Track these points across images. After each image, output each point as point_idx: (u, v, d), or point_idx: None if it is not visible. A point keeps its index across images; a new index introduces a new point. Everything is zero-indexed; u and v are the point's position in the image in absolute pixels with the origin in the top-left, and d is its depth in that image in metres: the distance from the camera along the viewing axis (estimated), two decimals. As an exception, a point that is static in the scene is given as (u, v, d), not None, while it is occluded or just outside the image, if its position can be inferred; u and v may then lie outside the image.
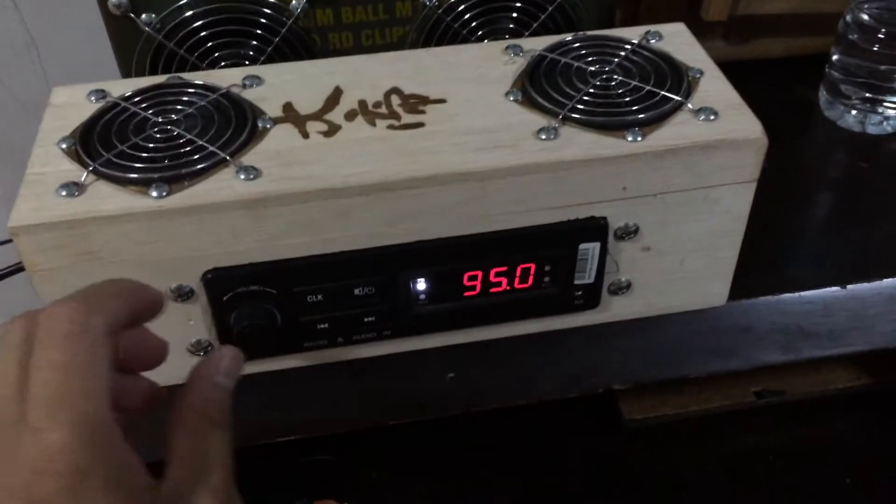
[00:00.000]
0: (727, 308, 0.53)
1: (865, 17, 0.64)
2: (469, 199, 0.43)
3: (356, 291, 0.45)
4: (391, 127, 0.45)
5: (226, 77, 0.48)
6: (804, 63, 0.72)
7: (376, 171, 0.42)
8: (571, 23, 0.59)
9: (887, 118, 0.67)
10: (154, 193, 0.40)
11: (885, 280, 0.54)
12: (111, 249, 0.41)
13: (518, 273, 0.47)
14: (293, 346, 0.47)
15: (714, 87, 0.47)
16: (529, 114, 0.46)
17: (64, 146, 0.43)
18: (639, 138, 0.44)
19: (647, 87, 0.46)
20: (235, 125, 0.44)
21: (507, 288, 0.47)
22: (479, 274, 0.46)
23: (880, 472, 0.71)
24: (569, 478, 0.72)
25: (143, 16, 0.53)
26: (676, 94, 0.46)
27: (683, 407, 0.74)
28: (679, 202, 0.46)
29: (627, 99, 0.46)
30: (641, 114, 0.45)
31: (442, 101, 0.47)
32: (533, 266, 0.47)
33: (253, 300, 0.44)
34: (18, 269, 0.50)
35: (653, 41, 0.51)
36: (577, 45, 0.50)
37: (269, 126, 0.45)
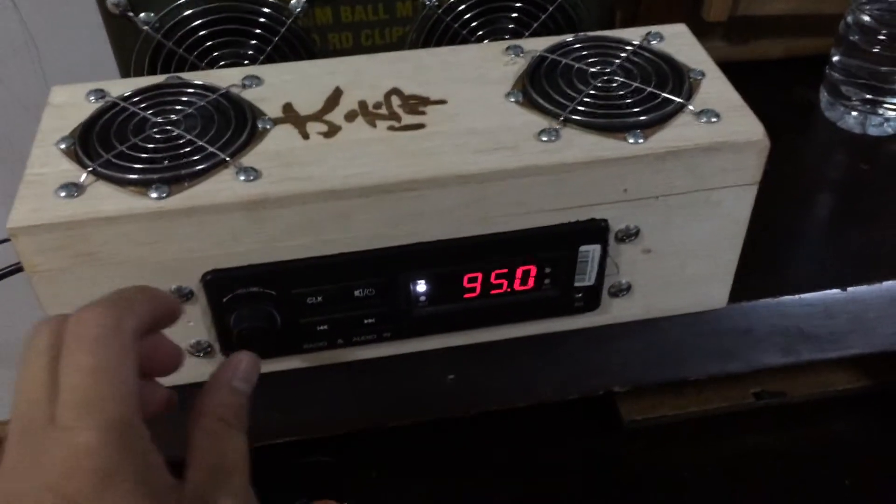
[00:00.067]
0: (727, 310, 0.53)
1: (866, 18, 0.64)
2: (469, 200, 0.43)
3: (356, 293, 0.45)
4: (391, 128, 0.45)
5: (225, 77, 0.48)
6: (804, 64, 0.72)
7: (376, 173, 0.42)
8: (572, 23, 0.59)
9: (888, 119, 0.67)
10: (154, 194, 0.40)
11: (885, 282, 0.54)
12: (111, 250, 0.41)
13: (518, 275, 0.47)
14: (293, 347, 0.47)
15: (715, 89, 0.47)
16: (530, 115, 0.46)
17: (63, 146, 0.43)
18: (640, 140, 0.43)
19: (649, 89, 0.46)
20: (235, 126, 0.44)
21: (508, 290, 0.47)
22: (480, 276, 0.46)
23: (880, 473, 0.71)
24: (568, 479, 0.71)
25: (142, 15, 0.53)
26: (678, 96, 0.46)
27: (683, 408, 0.74)
28: (680, 204, 0.46)
29: (629, 100, 0.46)
30: (643, 115, 0.45)
31: (442, 101, 0.47)
32: (533, 268, 0.47)
33: (253, 302, 0.44)
34: (17, 269, 0.50)
35: (654, 42, 0.51)
36: (578, 46, 0.50)
37: (268, 127, 0.45)
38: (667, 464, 0.73)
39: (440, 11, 0.57)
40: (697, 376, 0.57)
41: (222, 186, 0.41)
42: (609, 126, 0.44)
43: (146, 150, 0.43)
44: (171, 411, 0.36)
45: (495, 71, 0.49)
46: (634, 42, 0.50)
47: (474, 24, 0.57)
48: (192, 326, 0.45)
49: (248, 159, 0.43)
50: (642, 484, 0.72)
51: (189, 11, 0.53)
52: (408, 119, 0.45)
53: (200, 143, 0.43)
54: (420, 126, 0.45)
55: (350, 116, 0.46)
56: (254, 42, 0.55)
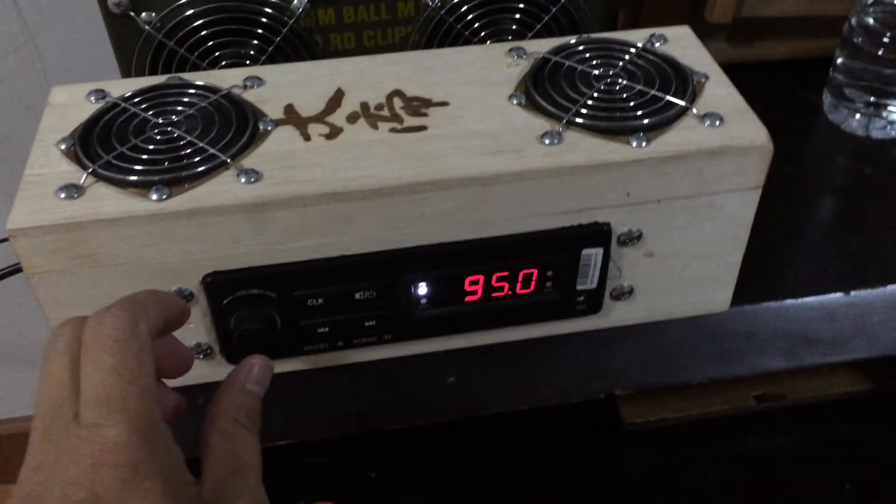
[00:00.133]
0: (730, 314, 0.52)
1: (871, 20, 0.63)
2: (471, 203, 0.43)
3: (357, 296, 0.45)
4: (393, 130, 0.45)
5: (227, 78, 0.48)
6: (808, 66, 0.72)
7: (378, 175, 0.42)
8: (575, 24, 0.58)
9: (891, 122, 0.66)
10: (154, 196, 0.40)
11: (888, 286, 0.54)
12: (111, 252, 0.40)
13: (520, 278, 0.46)
14: (293, 349, 0.46)
15: (719, 92, 0.47)
16: (533, 118, 0.45)
17: (63, 147, 0.43)
18: (643, 144, 0.43)
19: (652, 92, 0.46)
20: (236, 127, 0.44)
21: (509, 293, 0.47)
22: (481, 279, 0.46)
23: (881, 477, 0.71)
24: (568, 481, 0.71)
25: (143, 14, 0.53)
26: (681, 99, 0.46)
27: (683, 411, 0.74)
28: (683, 208, 0.45)
29: (632, 103, 0.46)
30: (646, 119, 0.44)
31: (445, 103, 0.46)
32: (535, 271, 0.46)
33: (253, 304, 0.44)
34: (17, 269, 0.50)
35: (657, 44, 0.50)
36: (582, 48, 0.50)
37: (270, 128, 0.45)
38: (667, 466, 0.72)
39: (443, 12, 0.56)
40: (699, 380, 0.56)
41: (223, 188, 0.41)
42: (612, 129, 0.44)
43: (147, 152, 0.42)
44: (180, 417, 0.36)
45: (498, 72, 0.49)
46: (638, 44, 0.50)
47: (477, 24, 0.57)
48: (192, 328, 0.44)
49: (249, 161, 0.42)
50: (643, 487, 0.71)
51: (190, 11, 0.53)
52: (410, 121, 0.45)
53: (201, 145, 0.42)
54: (422, 128, 0.45)
55: (352, 118, 0.45)
56: (255, 42, 0.55)
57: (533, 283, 0.47)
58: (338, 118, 0.45)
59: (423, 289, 0.46)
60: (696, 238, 0.47)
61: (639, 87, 0.47)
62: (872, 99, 0.66)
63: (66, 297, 0.42)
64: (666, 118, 0.45)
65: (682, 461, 0.73)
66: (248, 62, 0.55)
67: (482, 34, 0.58)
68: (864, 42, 0.64)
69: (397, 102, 0.46)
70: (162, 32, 0.53)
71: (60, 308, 0.42)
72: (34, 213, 0.39)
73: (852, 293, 0.54)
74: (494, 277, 0.46)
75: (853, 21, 0.65)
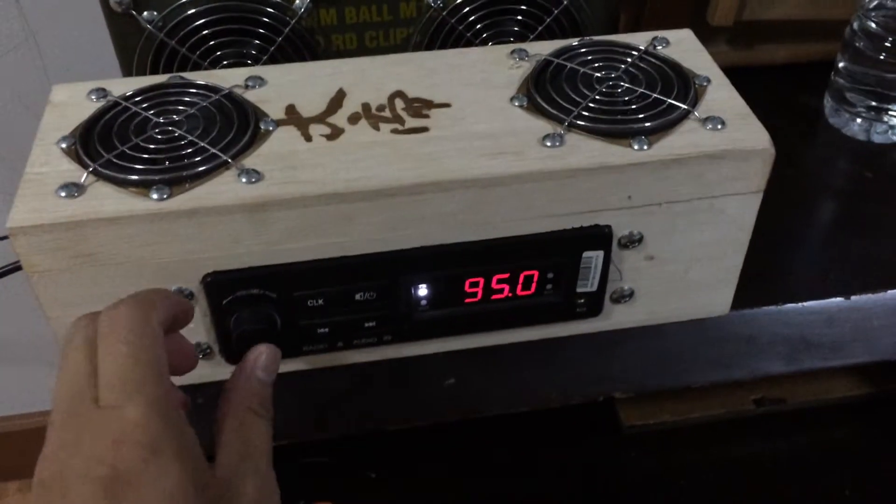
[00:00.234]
0: (730, 318, 0.52)
1: (873, 24, 0.63)
2: (472, 205, 0.43)
3: (357, 296, 0.45)
4: (395, 131, 0.44)
5: (228, 77, 0.48)
6: (809, 70, 0.72)
7: (379, 176, 0.41)
8: (576, 26, 0.58)
9: (892, 127, 0.66)
10: (154, 195, 0.40)
11: (889, 291, 0.54)
12: (111, 251, 0.40)
13: (520, 280, 0.46)
14: (293, 350, 0.46)
15: (721, 96, 0.47)
16: (535, 120, 0.45)
17: (63, 146, 0.43)
18: (645, 147, 0.43)
19: (654, 95, 0.46)
20: (237, 127, 0.44)
21: (509, 295, 0.47)
22: (481, 280, 0.46)
23: (880, 481, 0.71)
24: (566, 483, 0.71)
25: (145, 13, 0.53)
26: (683, 103, 0.45)
27: (682, 414, 0.74)
28: (684, 211, 0.45)
29: (634, 106, 0.45)
30: (648, 122, 0.44)
31: (446, 105, 0.46)
32: (535, 273, 0.46)
33: (253, 304, 0.43)
34: (16, 267, 0.50)
35: (659, 48, 0.50)
36: (584, 50, 0.50)
37: (271, 128, 0.44)
38: (666, 470, 0.72)
39: (445, 13, 0.56)
40: (699, 383, 0.56)
41: (224, 188, 0.41)
42: (614, 132, 0.44)
43: (147, 151, 0.42)
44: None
45: (500, 74, 0.49)
46: (640, 47, 0.50)
47: (479, 26, 0.57)
48: (191, 328, 0.44)
49: (250, 161, 0.42)
50: (641, 490, 0.71)
51: (192, 10, 0.53)
52: (411, 122, 0.45)
53: (202, 145, 0.42)
54: (423, 129, 0.45)
55: (353, 119, 0.45)
56: (257, 42, 0.55)
57: (533, 286, 0.47)
58: (339, 119, 0.45)
59: (423, 290, 0.46)
60: (697, 241, 0.47)
61: (640, 89, 0.47)
62: (874, 103, 0.66)
63: (65, 295, 0.41)
64: (668, 121, 0.45)
65: (680, 464, 0.73)
66: (249, 62, 0.55)
67: (484, 36, 0.58)
68: (866, 46, 0.64)
69: (399, 103, 0.46)
70: (163, 31, 0.53)
71: (60, 307, 0.42)
72: (34, 212, 0.39)
73: (853, 298, 0.54)
74: (495, 279, 0.46)
75: (855, 25, 0.65)
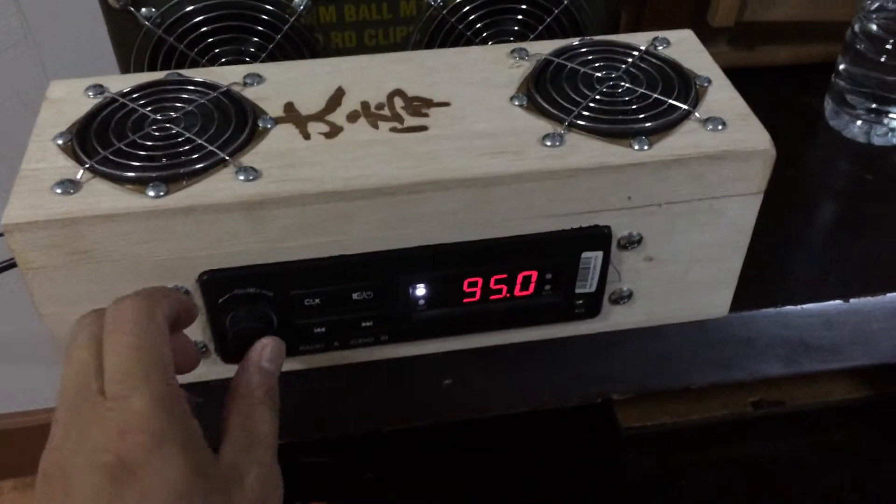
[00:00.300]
0: (728, 319, 0.52)
1: (874, 26, 0.63)
2: (471, 204, 0.42)
3: (354, 296, 0.45)
4: (394, 129, 0.44)
5: (226, 75, 0.47)
6: (810, 71, 0.72)
7: (378, 175, 0.41)
8: (577, 26, 0.58)
9: (892, 130, 0.66)
10: (151, 193, 0.40)
11: (888, 294, 0.54)
12: (106, 249, 0.40)
13: (519, 280, 0.46)
14: (289, 349, 0.46)
15: (722, 96, 0.47)
16: (534, 119, 0.45)
17: (60, 142, 0.43)
18: (645, 147, 0.43)
19: (655, 95, 0.46)
20: (235, 124, 0.44)
21: (508, 295, 0.47)
22: (480, 280, 0.46)
23: (879, 484, 0.71)
24: (564, 484, 0.71)
25: (143, 10, 0.52)
26: (684, 103, 0.45)
27: (680, 416, 0.74)
28: (684, 212, 0.45)
29: (634, 106, 0.45)
30: (648, 122, 0.44)
31: (446, 104, 0.46)
32: (534, 274, 0.46)
33: (249, 302, 0.43)
34: (11, 264, 0.50)
35: (660, 48, 0.50)
36: (584, 50, 0.50)
37: (269, 126, 0.44)
38: (662, 471, 0.72)
39: (445, 12, 0.56)
40: (698, 385, 0.56)
41: (221, 186, 0.40)
42: (614, 132, 0.44)
43: (144, 148, 0.42)
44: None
45: (500, 74, 0.48)
46: (641, 47, 0.50)
47: (479, 25, 0.57)
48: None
49: (247, 159, 0.42)
50: (639, 491, 0.71)
51: (191, 7, 0.53)
52: (410, 121, 0.45)
53: (200, 142, 0.42)
54: (423, 128, 0.44)
55: (352, 117, 0.45)
56: (256, 40, 0.54)
57: (532, 286, 0.47)
58: (338, 117, 0.45)
59: (421, 290, 0.45)
60: (697, 242, 0.47)
61: (641, 90, 0.46)
62: (874, 105, 0.66)
63: (60, 293, 0.41)
64: (668, 122, 0.44)
65: (679, 466, 0.72)
66: (248, 59, 0.55)
67: (484, 35, 0.57)
68: (867, 48, 0.64)
69: (398, 102, 0.46)
70: (162, 28, 0.53)
71: (54, 304, 0.42)
72: (30, 208, 0.39)
73: (852, 300, 0.54)
74: (493, 279, 0.46)
75: (856, 27, 0.64)
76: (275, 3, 0.54)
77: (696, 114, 0.45)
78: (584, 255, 0.46)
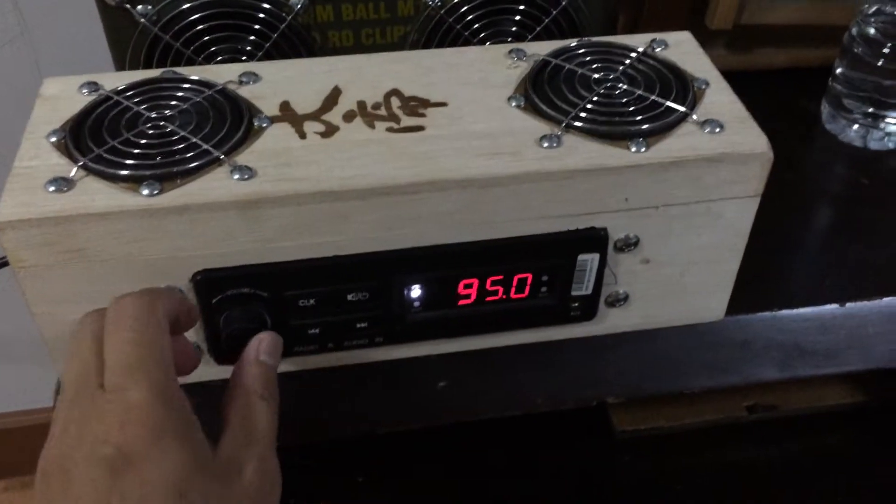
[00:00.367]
0: (724, 323, 0.52)
1: (872, 30, 0.63)
2: (468, 205, 0.42)
3: (349, 296, 0.44)
4: (390, 129, 0.44)
5: (222, 73, 0.47)
6: (807, 75, 0.72)
7: (374, 175, 0.41)
8: (575, 27, 0.58)
9: (889, 134, 0.66)
10: (145, 191, 0.39)
11: (884, 298, 0.54)
12: (100, 247, 0.40)
13: (514, 282, 0.46)
14: (283, 350, 0.46)
15: (720, 99, 0.47)
16: (532, 120, 0.45)
17: (53, 139, 0.42)
18: (643, 149, 0.43)
19: (652, 97, 0.46)
20: (231, 123, 0.43)
21: (503, 297, 0.46)
22: (475, 282, 0.46)
23: (873, 489, 0.70)
24: (558, 487, 0.71)
25: (139, 7, 0.52)
26: (682, 105, 0.45)
27: (675, 419, 0.74)
28: (681, 215, 0.45)
29: (632, 108, 0.45)
30: (646, 124, 0.44)
31: (443, 104, 0.46)
32: (530, 276, 0.46)
33: (243, 303, 0.43)
34: (3, 263, 0.49)
35: (658, 50, 0.50)
36: (582, 51, 0.50)
37: (265, 125, 0.44)
38: (657, 475, 0.72)
39: (443, 12, 0.56)
40: (693, 389, 0.56)
41: (216, 185, 0.40)
42: (611, 134, 0.44)
43: (139, 146, 0.42)
44: None
45: (497, 74, 0.48)
46: (639, 49, 0.49)
47: (477, 25, 0.57)
48: (181, 326, 0.44)
49: (243, 158, 0.42)
50: (633, 495, 0.71)
51: (187, 5, 0.53)
52: (407, 121, 0.45)
53: (194, 140, 0.42)
54: (419, 128, 0.44)
55: (348, 117, 0.45)
56: (252, 38, 0.54)
57: (527, 288, 0.46)
58: (334, 116, 0.45)
59: (416, 291, 0.45)
60: (694, 245, 0.47)
61: (639, 91, 0.46)
62: (871, 110, 0.65)
63: (52, 291, 0.41)
64: (666, 124, 0.44)
65: (673, 470, 0.72)
66: (244, 58, 0.54)
67: (482, 35, 0.57)
68: (864, 52, 0.64)
69: (395, 102, 0.46)
70: (158, 26, 0.52)
71: (46, 303, 0.41)
72: (22, 206, 0.39)
73: (847, 305, 0.54)
74: (489, 281, 0.46)
75: (854, 31, 0.64)
76: (272, 1, 0.54)
77: (694, 116, 0.45)
78: (581, 257, 0.45)
